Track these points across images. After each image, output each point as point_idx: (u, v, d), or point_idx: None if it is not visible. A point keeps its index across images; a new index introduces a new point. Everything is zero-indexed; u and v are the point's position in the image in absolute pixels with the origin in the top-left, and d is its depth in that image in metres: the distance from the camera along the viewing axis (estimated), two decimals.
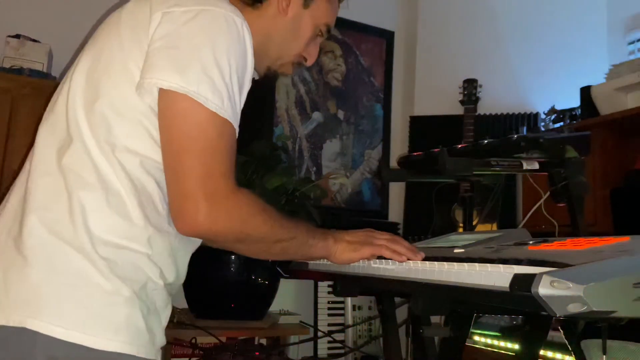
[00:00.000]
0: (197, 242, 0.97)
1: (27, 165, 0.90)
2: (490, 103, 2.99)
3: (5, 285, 0.79)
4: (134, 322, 0.81)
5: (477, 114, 2.85)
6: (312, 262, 1.28)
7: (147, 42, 0.84)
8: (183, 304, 2.24)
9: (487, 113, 3.04)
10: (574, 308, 0.58)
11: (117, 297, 0.79)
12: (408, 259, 0.98)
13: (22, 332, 0.75)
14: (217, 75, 0.81)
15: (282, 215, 0.94)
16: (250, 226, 0.88)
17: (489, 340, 2.26)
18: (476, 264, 0.74)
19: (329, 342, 2.75)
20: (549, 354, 1.91)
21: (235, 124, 0.85)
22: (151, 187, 0.85)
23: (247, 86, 0.90)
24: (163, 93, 0.82)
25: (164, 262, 0.88)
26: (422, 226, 2.73)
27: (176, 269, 0.92)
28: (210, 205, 0.80)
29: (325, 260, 1.08)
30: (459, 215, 2.55)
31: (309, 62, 1.11)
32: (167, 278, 0.89)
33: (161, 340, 0.87)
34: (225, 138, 0.83)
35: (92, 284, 0.78)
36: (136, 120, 0.84)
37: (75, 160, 0.83)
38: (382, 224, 2.99)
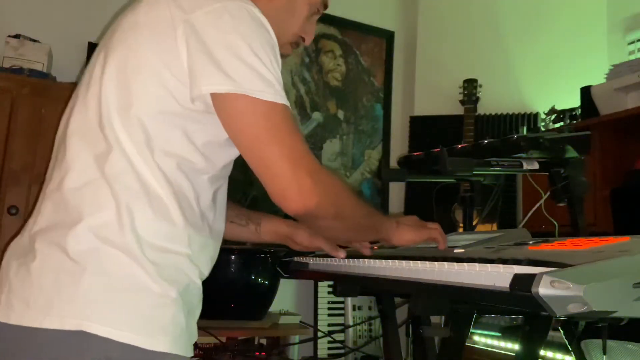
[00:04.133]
0: (222, 233, 1.01)
1: (57, 173, 0.91)
2: (490, 103, 2.99)
3: (58, 289, 0.80)
4: (178, 323, 0.84)
5: (477, 114, 2.85)
6: (312, 262, 1.28)
7: (179, 50, 0.85)
8: None
9: (487, 113, 3.04)
10: (574, 308, 0.58)
11: (165, 299, 0.83)
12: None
13: (78, 335, 0.77)
14: (260, 66, 0.84)
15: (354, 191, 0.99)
16: (345, 199, 0.93)
17: (489, 340, 2.26)
18: (476, 264, 0.74)
19: (329, 342, 2.75)
20: (549, 354, 1.91)
21: (287, 102, 0.88)
22: (186, 187, 0.89)
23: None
24: (219, 98, 0.84)
25: (201, 260, 0.92)
26: None
27: (208, 264, 0.97)
28: (313, 180, 0.85)
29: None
30: (459, 215, 2.55)
31: (307, 42, 1.12)
32: (203, 275, 0.94)
33: (195, 337, 0.91)
34: (289, 119, 0.87)
35: (142, 287, 0.81)
36: (173, 124, 0.87)
37: (118, 168, 0.85)
38: None
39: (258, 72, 0.84)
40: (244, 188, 2.51)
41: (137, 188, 0.84)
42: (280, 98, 0.86)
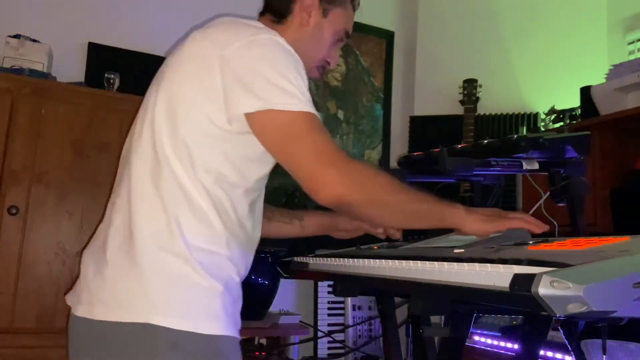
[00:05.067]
0: (257, 242, 1.14)
1: (123, 188, 1.06)
2: (490, 103, 2.99)
3: (128, 291, 0.96)
4: (227, 309, 0.99)
5: (477, 114, 2.85)
6: (312, 262, 1.28)
7: (216, 80, 0.99)
8: None
9: (487, 113, 3.04)
10: (574, 308, 0.58)
11: (213, 291, 0.97)
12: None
13: (146, 326, 0.92)
14: (285, 83, 0.97)
15: (397, 180, 1.04)
16: (378, 185, 0.99)
17: (489, 340, 2.26)
18: (476, 264, 0.73)
19: (329, 342, 2.75)
20: (549, 354, 1.91)
21: (315, 111, 0.99)
22: (223, 198, 1.02)
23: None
24: (252, 116, 0.98)
25: (238, 261, 1.06)
26: None
27: (245, 266, 1.10)
28: (337, 171, 0.94)
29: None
30: None
31: (332, 66, 1.26)
32: (241, 275, 1.07)
33: (240, 323, 1.05)
34: (313, 122, 0.98)
35: (194, 283, 0.96)
36: (212, 145, 1.01)
37: (168, 185, 1.00)
38: None
39: (282, 89, 0.96)
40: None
41: (182, 201, 0.99)
42: (304, 107, 0.97)
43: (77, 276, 1.12)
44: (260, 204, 1.16)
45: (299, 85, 0.99)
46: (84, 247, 1.14)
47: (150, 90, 1.11)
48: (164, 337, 0.93)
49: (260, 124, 0.98)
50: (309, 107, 0.98)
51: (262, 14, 1.22)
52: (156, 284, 0.95)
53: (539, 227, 1.05)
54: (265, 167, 1.09)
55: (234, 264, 1.04)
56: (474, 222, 1.04)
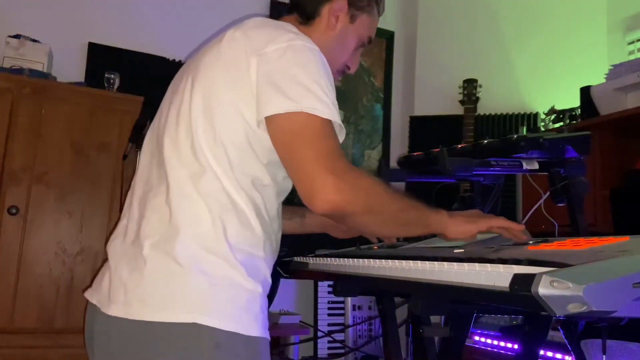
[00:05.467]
0: (279, 246, 1.14)
1: (160, 187, 1.04)
2: (490, 103, 2.99)
3: (172, 291, 0.95)
4: (264, 312, 1.01)
5: (477, 114, 2.85)
6: (312, 262, 1.28)
7: (251, 82, 0.99)
8: None
9: (487, 113, 3.04)
10: (574, 308, 0.58)
11: (255, 294, 0.99)
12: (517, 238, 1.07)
13: (192, 326, 0.92)
14: (318, 90, 0.97)
15: (391, 188, 1.04)
16: (376, 195, 0.99)
17: (489, 340, 2.26)
18: (476, 264, 0.73)
19: (329, 342, 2.75)
20: (549, 354, 1.91)
21: (339, 119, 0.99)
22: (259, 200, 1.03)
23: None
24: (277, 117, 0.96)
25: (270, 263, 1.07)
26: None
27: (272, 268, 1.09)
28: (335, 178, 0.92)
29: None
30: None
31: (352, 70, 1.28)
32: (269, 277, 1.07)
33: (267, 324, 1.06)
34: (332, 132, 0.97)
35: (237, 285, 0.96)
36: (247, 147, 1.01)
37: (211, 187, 0.99)
38: None
39: (315, 94, 0.96)
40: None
41: (226, 203, 0.99)
42: (332, 116, 0.97)
43: (98, 272, 1.10)
44: (281, 207, 1.15)
45: (330, 94, 0.99)
46: (106, 241, 1.12)
47: (182, 90, 1.09)
48: (208, 337, 0.93)
49: (282, 123, 0.97)
50: (337, 117, 0.98)
51: (289, 11, 1.22)
52: (200, 284, 0.95)
53: (518, 227, 1.07)
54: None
55: (268, 266, 1.05)
56: (456, 224, 1.06)
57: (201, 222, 0.98)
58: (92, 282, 1.11)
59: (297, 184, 0.96)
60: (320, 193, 0.92)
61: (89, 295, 1.08)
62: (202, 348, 0.92)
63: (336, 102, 1.00)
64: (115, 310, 0.98)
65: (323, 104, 0.96)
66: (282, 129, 0.97)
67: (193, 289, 0.94)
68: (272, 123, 0.98)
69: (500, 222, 1.08)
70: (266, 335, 1.01)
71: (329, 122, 0.97)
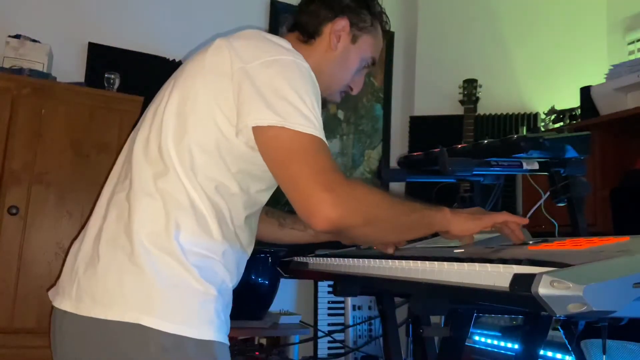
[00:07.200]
0: (248, 256, 1.13)
1: (124, 184, 1.04)
2: (490, 103, 2.99)
3: (121, 288, 0.93)
4: (219, 315, 0.98)
5: (477, 114, 2.85)
6: (312, 262, 1.28)
7: (232, 92, 0.98)
8: None
9: (487, 113, 3.04)
10: (574, 308, 0.58)
11: (207, 296, 0.96)
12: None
13: (137, 327, 0.90)
14: (302, 106, 0.95)
15: (389, 194, 1.02)
16: (374, 204, 0.96)
17: (489, 340, 2.26)
18: (476, 264, 0.73)
19: (329, 342, 2.75)
20: (549, 354, 1.91)
21: (324, 139, 0.97)
22: (224, 207, 1.02)
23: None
24: (261, 130, 0.95)
25: (232, 269, 1.05)
26: None
27: (237, 276, 1.09)
28: (331, 194, 0.90)
29: (368, 247, 1.08)
30: None
31: (355, 92, 1.27)
32: (233, 282, 1.06)
33: (229, 328, 1.03)
34: (323, 148, 0.95)
35: (189, 287, 0.94)
36: (215, 153, 1.00)
37: (172, 187, 0.99)
38: None
39: (299, 110, 0.94)
40: None
41: (186, 205, 0.98)
42: (316, 132, 0.95)
43: (61, 269, 1.09)
44: (256, 219, 1.14)
45: (314, 111, 0.97)
46: (74, 239, 1.11)
47: (163, 92, 1.10)
48: (154, 339, 0.90)
49: (269, 138, 0.95)
50: (320, 134, 0.96)
51: (290, 29, 1.21)
52: (149, 282, 0.93)
53: (522, 220, 1.07)
54: (264, 184, 1.08)
55: (228, 271, 1.03)
56: (460, 222, 1.05)
57: (156, 221, 0.97)
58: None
59: (294, 204, 0.94)
60: (317, 212, 0.90)
61: (51, 292, 1.10)
62: (148, 350, 0.90)
63: (321, 120, 0.99)
64: (67, 305, 0.99)
65: (307, 120, 0.95)
66: (270, 145, 0.96)
67: (141, 287, 0.92)
68: (259, 136, 0.96)
69: (503, 217, 1.06)
70: (222, 339, 0.97)
71: (316, 139, 0.95)
